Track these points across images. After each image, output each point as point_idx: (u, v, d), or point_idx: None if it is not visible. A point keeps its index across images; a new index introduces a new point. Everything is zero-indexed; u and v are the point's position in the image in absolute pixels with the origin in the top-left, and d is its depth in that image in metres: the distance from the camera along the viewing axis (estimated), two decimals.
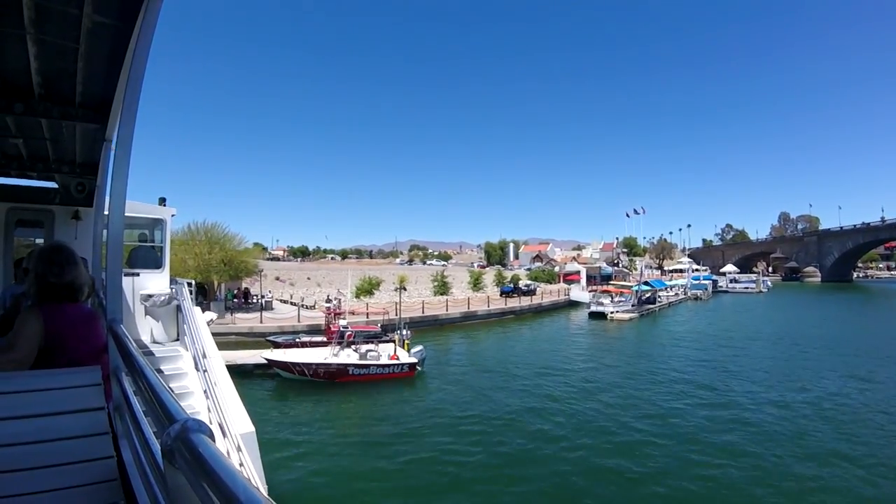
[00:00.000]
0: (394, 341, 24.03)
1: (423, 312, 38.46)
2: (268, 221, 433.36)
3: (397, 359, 21.60)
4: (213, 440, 1.15)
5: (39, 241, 8.54)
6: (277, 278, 65.49)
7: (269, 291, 46.23)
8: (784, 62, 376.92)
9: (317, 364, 20.94)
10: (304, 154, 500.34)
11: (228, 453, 4.31)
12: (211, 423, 4.90)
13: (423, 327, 34.67)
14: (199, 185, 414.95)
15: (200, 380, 5.79)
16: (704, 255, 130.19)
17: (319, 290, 55.42)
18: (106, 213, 3.58)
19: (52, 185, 7.97)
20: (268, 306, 39.03)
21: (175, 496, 1.22)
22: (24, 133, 5.55)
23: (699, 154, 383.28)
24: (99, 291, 4.45)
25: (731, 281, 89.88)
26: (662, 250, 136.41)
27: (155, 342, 7.61)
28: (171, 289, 8.29)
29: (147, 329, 7.81)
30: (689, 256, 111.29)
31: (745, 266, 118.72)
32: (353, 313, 30.47)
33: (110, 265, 3.43)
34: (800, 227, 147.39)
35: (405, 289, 43.54)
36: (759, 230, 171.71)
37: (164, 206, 8.90)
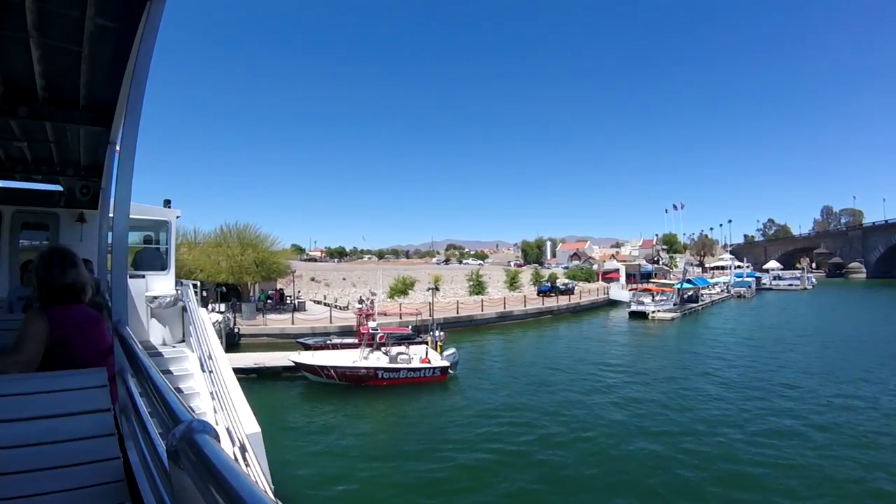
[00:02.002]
0: (426, 343, 23.74)
1: (457, 313, 38.06)
2: (306, 224, 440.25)
3: (428, 362, 20.97)
4: (219, 441, 1.15)
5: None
6: (313, 279, 66.11)
7: (299, 291, 46.51)
8: (823, 51, 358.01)
9: (344, 367, 20.43)
10: (341, 157, 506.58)
11: (234, 454, 4.30)
12: (217, 424, 4.88)
13: (458, 328, 34.24)
14: (242, 188, 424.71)
15: (206, 381, 5.77)
16: (746, 251, 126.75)
17: (354, 291, 55.64)
18: (111, 215, 3.59)
19: (57, 188, 8.06)
20: (301, 307, 39.18)
21: (181, 497, 1.21)
22: (28, 136, 5.61)
23: (739, 146, 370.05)
24: (104, 293, 4.50)
25: (774, 278, 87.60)
26: (703, 247, 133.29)
27: (160, 344, 7.61)
28: (177, 290, 8.30)
29: (152, 331, 7.81)
30: (731, 253, 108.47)
31: (788, 262, 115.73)
32: (384, 314, 30.12)
33: (115, 267, 3.46)
34: (843, 220, 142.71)
35: (438, 289, 43.47)
36: (801, 225, 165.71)
37: (169, 207, 8.92)
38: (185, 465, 1.07)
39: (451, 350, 22.53)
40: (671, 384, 20.37)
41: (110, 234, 3.59)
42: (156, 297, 7.70)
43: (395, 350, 21.63)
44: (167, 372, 5.73)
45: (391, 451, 13.73)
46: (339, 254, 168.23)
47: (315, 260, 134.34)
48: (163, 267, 8.52)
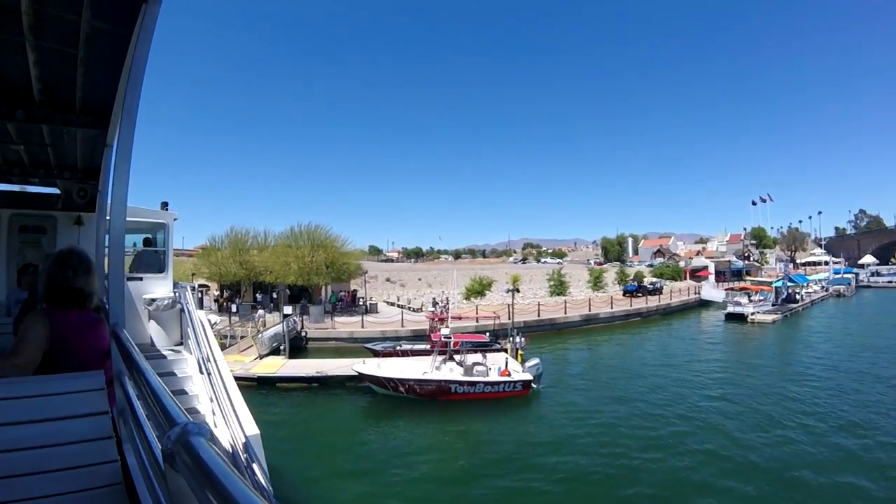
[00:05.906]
0: (505, 350, 22.43)
1: (538, 316, 36.32)
2: (385, 225, 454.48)
3: (508, 374, 18.98)
4: (215, 443, 1.16)
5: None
6: (388, 279, 67.24)
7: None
8: None
9: (413, 380, 18.60)
10: (418, 158, 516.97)
11: (233, 457, 4.29)
12: (215, 426, 4.91)
13: (539, 332, 32.60)
14: (329, 192, 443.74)
15: (204, 383, 5.76)
16: (838, 245, 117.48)
17: (430, 291, 55.58)
18: (108, 217, 3.62)
19: (54, 190, 8.15)
20: (372, 309, 38.81)
21: (177, 499, 1.26)
22: (25, 139, 5.68)
23: (825, 134, 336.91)
24: (102, 296, 4.58)
25: (872, 274, 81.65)
26: (794, 241, 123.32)
27: (159, 346, 7.67)
28: (175, 293, 8.32)
29: (150, 333, 7.87)
30: (824, 247, 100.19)
31: (882, 256, 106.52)
32: (459, 318, 28.38)
33: (112, 270, 3.50)
34: None
35: (518, 290, 42.18)
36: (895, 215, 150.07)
37: (167, 210, 8.99)
38: (181, 467, 1.10)
39: (535, 360, 20.45)
40: (798, 406, 17.45)
41: (107, 236, 3.62)
42: (154, 300, 7.80)
43: (470, 360, 19.66)
44: (165, 374, 5.82)
45: (460, 480, 12.35)
46: (415, 254, 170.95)
47: (392, 260, 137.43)
48: (160, 269, 8.60)
